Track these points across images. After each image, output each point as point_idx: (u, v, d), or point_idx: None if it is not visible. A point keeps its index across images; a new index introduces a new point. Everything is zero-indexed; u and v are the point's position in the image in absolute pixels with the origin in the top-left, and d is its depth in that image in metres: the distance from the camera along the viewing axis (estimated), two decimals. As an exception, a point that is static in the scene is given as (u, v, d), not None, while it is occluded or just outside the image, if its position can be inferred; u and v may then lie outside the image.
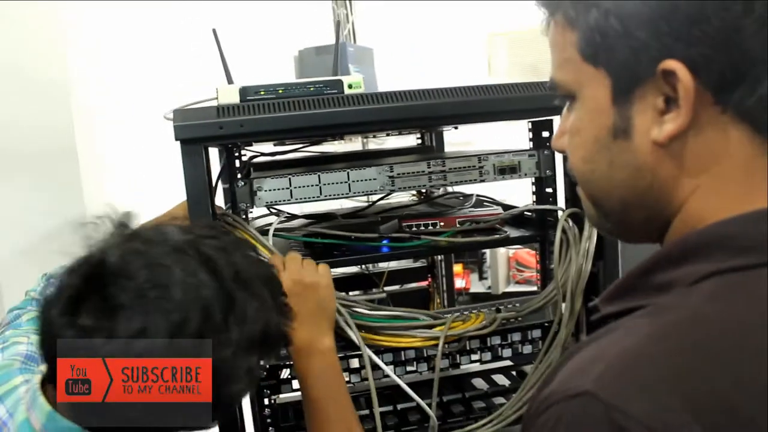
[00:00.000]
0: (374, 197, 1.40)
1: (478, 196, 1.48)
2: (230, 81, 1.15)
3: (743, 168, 0.54)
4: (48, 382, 0.77)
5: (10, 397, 0.82)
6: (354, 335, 1.05)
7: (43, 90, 1.58)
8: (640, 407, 0.44)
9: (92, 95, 1.76)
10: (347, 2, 2.79)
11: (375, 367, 1.15)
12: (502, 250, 2.69)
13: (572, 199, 1.19)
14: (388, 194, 1.16)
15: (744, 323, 0.49)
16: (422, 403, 1.10)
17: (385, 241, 1.21)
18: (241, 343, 0.71)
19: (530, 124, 1.26)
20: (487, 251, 2.78)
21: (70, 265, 0.72)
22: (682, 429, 0.43)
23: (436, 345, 1.09)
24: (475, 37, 2.96)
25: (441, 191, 1.63)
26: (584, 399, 0.46)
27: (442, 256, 1.70)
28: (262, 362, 0.79)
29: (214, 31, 1.20)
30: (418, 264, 1.77)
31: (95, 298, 0.67)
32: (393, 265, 1.69)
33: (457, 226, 1.24)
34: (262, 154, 1.42)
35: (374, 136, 2.00)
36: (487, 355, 1.19)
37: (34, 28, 1.56)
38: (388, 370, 1.10)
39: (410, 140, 1.82)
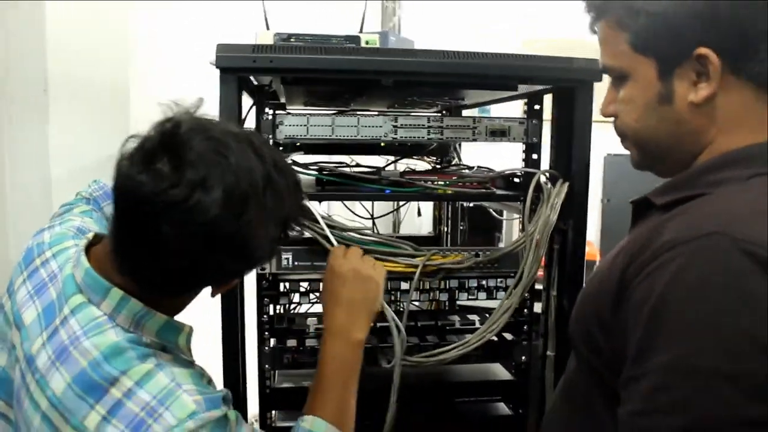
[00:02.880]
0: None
1: (479, 166, 1.64)
2: (268, 28, 1.34)
3: (751, 114, 0.79)
4: (92, 245, 0.96)
5: (62, 255, 0.99)
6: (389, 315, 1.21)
7: (104, 24, 1.77)
8: (757, 237, 0.66)
9: (148, 37, 1.95)
10: (395, -2, 2.98)
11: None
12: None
13: (555, 164, 1.35)
14: (391, 141, 1.33)
15: None
16: (395, 318, 1.24)
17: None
18: (273, 214, 0.87)
19: (527, 97, 1.42)
20: (503, 243, 2.93)
21: (150, 129, 0.84)
22: None
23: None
24: (510, 42, 3.13)
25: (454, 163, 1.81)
26: (714, 236, 0.68)
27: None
28: (278, 240, 0.94)
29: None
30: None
31: (168, 153, 0.80)
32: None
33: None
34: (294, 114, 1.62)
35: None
36: (463, 295, 1.36)
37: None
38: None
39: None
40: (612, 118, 0.90)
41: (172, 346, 0.92)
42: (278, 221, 0.91)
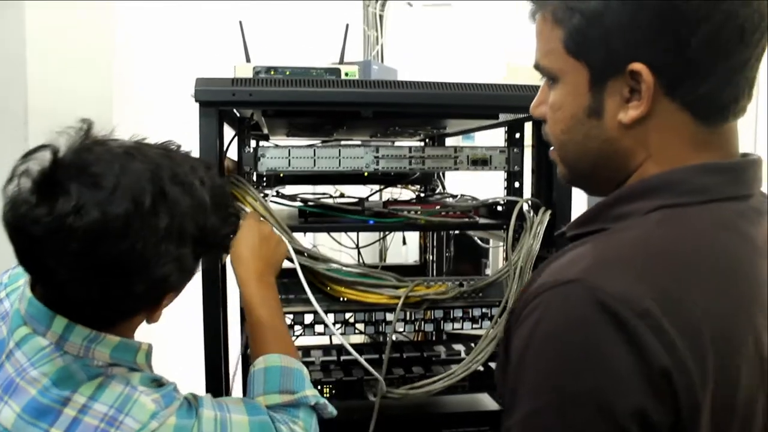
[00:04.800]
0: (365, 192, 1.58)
1: (463, 195, 1.65)
2: (248, 61, 1.34)
3: (683, 143, 0.71)
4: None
5: (15, 293, 0.98)
6: (303, 280, 1.22)
7: (89, 62, 1.77)
8: (615, 288, 0.61)
9: (133, 73, 1.96)
10: (378, 25, 3.00)
11: (346, 323, 1.33)
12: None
13: (536, 191, 1.35)
14: (373, 172, 1.33)
15: (681, 241, 0.67)
16: (365, 363, 1.25)
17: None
18: (170, 232, 0.84)
19: (506, 126, 1.43)
20: (489, 270, 2.93)
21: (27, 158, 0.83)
22: (642, 302, 0.60)
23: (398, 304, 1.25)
24: (494, 67, 3.16)
25: (437, 192, 1.81)
26: (572, 284, 0.63)
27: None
28: (196, 258, 0.92)
29: (240, 23, 1.41)
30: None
31: (44, 184, 0.80)
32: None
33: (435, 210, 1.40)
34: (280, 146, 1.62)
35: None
36: (448, 325, 1.35)
37: (86, 5, 1.74)
38: (333, 329, 1.27)
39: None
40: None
41: (129, 365, 0.91)
42: (181, 237, 0.87)
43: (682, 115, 0.69)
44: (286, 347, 1.07)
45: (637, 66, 0.67)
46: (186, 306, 1.15)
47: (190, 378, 1.18)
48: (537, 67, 0.78)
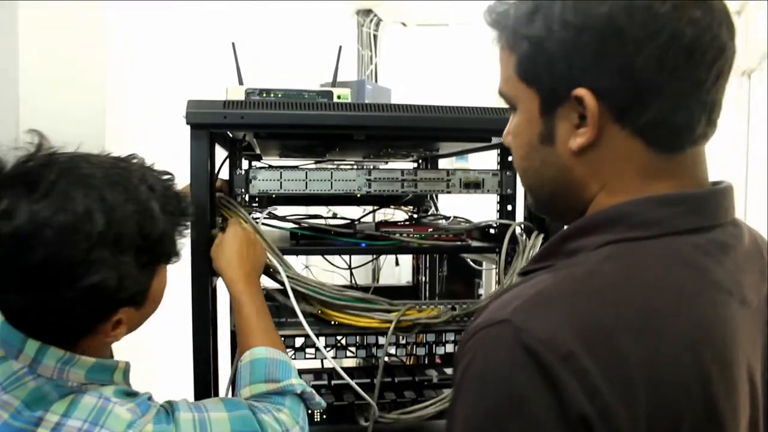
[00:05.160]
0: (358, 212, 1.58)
1: (456, 216, 1.64)
2: (241, 83, 1.34)
3: (638, 172, 0.67)
4: None
5: None
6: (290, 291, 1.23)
7: (81, 84, 1.77)
8: (540, 330, 0.58)
9: (126, 94, 1.96)
10: (372, 45, 3.02)
11: (338, 347, 1.32)
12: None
13: (529, 215, 1.35)
14: (365, 194, 1.33)
15: (628, 277, 0.63)
16: (357, 387, 1.25)
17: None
18: (104, 238, 0.82)
19: (499, 148, 1.43)
20: (482, 290, 2.92)
21: None
22: (567, 344, 0.56)
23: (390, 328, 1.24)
24: (489, 89, 3.16)
25: (430, 213, 1.81)
26: (502, 325, 0.60)
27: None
28: (143, 266, 0.89)
29: (233, 44, 1.41)
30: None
31: None
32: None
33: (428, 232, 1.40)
34: (272, 167, 1.62)
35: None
36: (441, 349, 1.34)
37: (78, 27, 1.75)
38: (324, 352, 1.26)
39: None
40: None
41: (107, 384, 0.90)
42: (119, 246, 0.85)
43: (634, 143, 0.66)
44: (272, 341, 1.09)
45: (580, 92, 0.64)
46: (176, 320, 1.13)
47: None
48: (500, 93, 0.77)
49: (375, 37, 3.28)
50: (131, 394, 0.90)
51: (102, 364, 0.90)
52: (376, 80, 3.10)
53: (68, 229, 0.81)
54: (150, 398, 0.90)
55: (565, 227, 0.74)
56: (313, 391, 1.05)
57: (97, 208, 0.83)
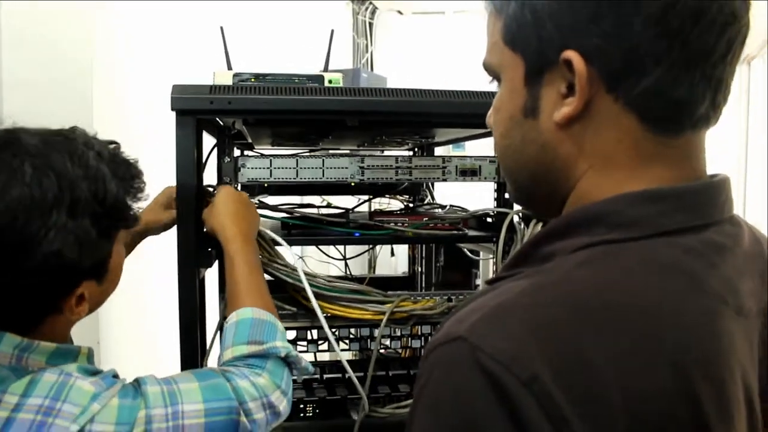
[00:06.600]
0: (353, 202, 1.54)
1: (452, 205, 1.61)
2: (230, 68, 1.30)
3: (629, 153, 0.59)
4: None
5: None
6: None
7: (68, 80, 1.73)
8: (500, 349, 0.50)
9: (113, 88, 1.92)
10: (367, 33, 2.97)
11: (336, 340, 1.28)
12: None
13: (526, 204, 1.31)
14: (358, 182, 1.29)
15: (604, 285, 0.55)
16: (355, 380, 1.21)
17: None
18: (59, 202, 0.82)
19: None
20: (479, 280, 2.89)
21: None
22: (530, 366, 0.49)
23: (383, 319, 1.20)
24: (483, 79, 3.12)
25: (426, 202, 1.77)
26: (457, 343, 0.52)
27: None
28: (101, 232, 0.88)
29: (221, 28, 1.36)
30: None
31: None
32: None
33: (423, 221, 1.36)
34: (262, 155, 1.58)
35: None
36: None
37: (63, 24, 1.72)
38: (335, 344, 1.22)
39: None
40: None
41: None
42: (74, 210, 0.84)
43: (627, 118, 0.58)
44: (262, 301, 1.06)
45: (569, 53, 0.57)
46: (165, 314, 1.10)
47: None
48: (484, 65, 0.68)
49: (371, 25, 3.24)
50: (95, 373, 0.87)
51: (64, 350, 0.87)
52: (371, 69, 3.05)
53: (20, 199, 0.80)
54: (115, 375, 0.88)
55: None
56: (299, 355, 1.01)
57: (46, 175, 0.82)
